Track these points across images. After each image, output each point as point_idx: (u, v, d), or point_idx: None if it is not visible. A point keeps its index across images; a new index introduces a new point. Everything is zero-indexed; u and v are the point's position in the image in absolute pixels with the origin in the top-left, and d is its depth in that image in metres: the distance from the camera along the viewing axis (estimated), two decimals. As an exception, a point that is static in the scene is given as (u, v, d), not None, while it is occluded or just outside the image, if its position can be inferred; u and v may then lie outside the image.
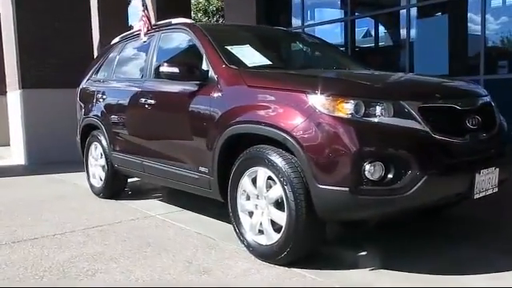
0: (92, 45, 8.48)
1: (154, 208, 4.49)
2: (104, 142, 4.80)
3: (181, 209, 4.43)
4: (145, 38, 4.40)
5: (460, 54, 7.60)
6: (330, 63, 4.18)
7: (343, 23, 9.28)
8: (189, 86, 3.50)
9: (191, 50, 3.78)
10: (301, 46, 4.38)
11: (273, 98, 2.87)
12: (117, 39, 5.20)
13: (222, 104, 3.20)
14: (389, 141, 2.56)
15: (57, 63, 7.95)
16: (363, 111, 2.60)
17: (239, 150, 3.15)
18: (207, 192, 3.44)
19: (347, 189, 2.52)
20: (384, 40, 9.34)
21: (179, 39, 4.06)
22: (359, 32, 9.36)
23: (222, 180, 3.26)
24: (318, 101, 2.65)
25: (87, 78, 5.37)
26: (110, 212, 4.41)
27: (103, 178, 4.90)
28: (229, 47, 3.58)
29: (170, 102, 3.76)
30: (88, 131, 5.17)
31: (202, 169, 3.41)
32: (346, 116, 2.58)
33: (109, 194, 4.90)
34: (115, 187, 4.91)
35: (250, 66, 3.42)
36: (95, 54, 8.82)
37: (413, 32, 7.97)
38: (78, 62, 8.09)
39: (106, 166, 4.81)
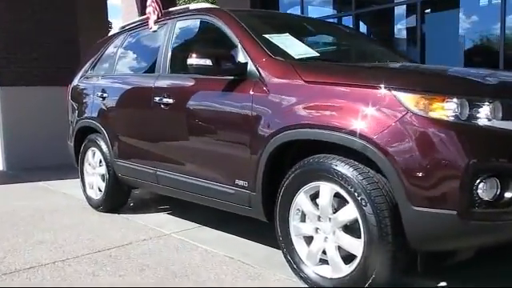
0: (77, 38, 7.74)
1: (166, 224, 3.87)
2: (104, 148, 4.15)
3: (197, 225, 3.83)
4: (155, 27, 3.77)
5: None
6: (379, 56, 3.62)
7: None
8: (220, 82, 2.91)
9: (219, 40, 3.18)
10: (340, 36, 3.82)
11: (342, 97, 2.30)
12: (116, 30, 4.55)
13: (269, 103, 2.62)
14: (504, 150, 2.02)
15: (39, 58, 7.21)
16: (468, 112, 2.05)
17: (287, 161, 2.59)
18: (245, 210, 2.85)
19: (455, 212, 1.97)
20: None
21: (201, 27, 3.46)
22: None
23: (266, 196, 2.68)
24: (410, 99, 2.09)
25: (81, 74, 4.71)
26: (116, 230, 3.77)
27: (103, 189, 4.25)
28: (267, 36, 3.00)
29: (194, 102, 3.14)
30: (83, 135, 4.51)
31: (240, 182, 2.82)
32: (448, 119, 2.03)
33: (109, 208, 4.26)
34: (117, 200, 4.27)
35: (296, 58, 2.84)
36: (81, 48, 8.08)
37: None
38: (63, 56, 7.39)
39: (106, 175, 4.16)
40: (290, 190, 2.52)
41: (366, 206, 2.16)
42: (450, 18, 7.40)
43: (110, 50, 4.40)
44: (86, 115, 4.42)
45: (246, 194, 2.79)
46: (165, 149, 3.45)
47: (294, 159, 2.60)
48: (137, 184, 3.93)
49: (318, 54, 3.02)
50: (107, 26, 16.86)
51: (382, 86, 2.18)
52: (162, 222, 3.97)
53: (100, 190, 4.33)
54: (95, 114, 4.24)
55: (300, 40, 3.13)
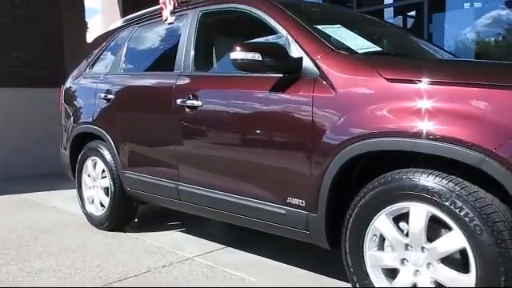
0: (62, 36, 7.12)
1: (183, 245, 3.38)
2: (109, 157, 3.61)
3: (220, 245, 3.34)
4: (171, 19, 3.27)
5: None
6: (426, 52, 3.20)
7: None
8: (265, 81, 2.45)
9: (256, 32, 2.72)
10: (383, 29, 3.38)
11: (445, 98, 1.87)
12: (119, 23, 4.02)
13: (337, 106, 2.16)
14: None
15: (20, 58, 6.58)
16: None
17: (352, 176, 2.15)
18: (300, 234, 2.38)
19: None
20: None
21: (232, 17, 2.98)
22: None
23: (330, 218, 2.22)
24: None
25: (76, 74, 4.15)
26: (127, 253, 3.24)
27: (106, 204, 3.71)
28: (319, 27, 2.54)
29: (231, 104, 2.66)
30: (81, 142, 3.96)
31: (294, 201, 2.35)
32: None
33: (114, 226, 3.72)
34: (124, 217, 3.74)
35: (360, 52, 2.40)
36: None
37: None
38: (47, 56, 6.78)
39: (111, 189, 3.63)
40: (365, 211, 2.06)
41: (481, 234, 1.73)
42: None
43: (114, 46, 3.86)
44: (84, 120, 3.88)
45: (303, 214, 2.32)
46: (190, 159, 2.95)
47: (362, 174, 2.16)
48: (150, 199, 3.41)
49: (381, 49, 2.57)
50: (84, 26, 16.16)
51: (504, 84, 1.75)
52: (178, 242, 3.46)
53: (102, 206, 3.79)
54: (97, 119, 3.71)
55: (353, 32, 2.68)
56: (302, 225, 2.34)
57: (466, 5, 7.06)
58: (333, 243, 2.27)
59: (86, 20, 16.74)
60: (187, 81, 2.98)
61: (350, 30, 2.66)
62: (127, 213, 3.74)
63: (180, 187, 3.02)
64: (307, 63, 2.33)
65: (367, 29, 2.98)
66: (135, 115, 3.38)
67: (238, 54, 2.31)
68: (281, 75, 2.41)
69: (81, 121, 3.93)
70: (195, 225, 3.86)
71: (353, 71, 2.17)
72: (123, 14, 12.20)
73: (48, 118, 6.73)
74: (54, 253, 3.29)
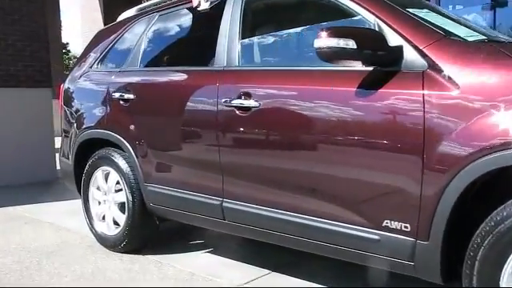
0: (47, 31, 6.48)
1: (219, 270, 2.89)
2: (126, 168, 3.09)
3: (265, 270, 2.87)
4: (205, 5, 2.77)
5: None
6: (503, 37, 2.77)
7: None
8: (351, 75, 1.99)
9: (323, 18, 2.25)
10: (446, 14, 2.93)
11: None
12: (132, 12, 3.48)
13: (462, 108, 1.71)
14: None
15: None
16: None
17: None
18: (403, 266, 1.92)
19: None
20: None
21: (290, 1, 2.49)
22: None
23: (447, 248, 1.78)
24: None
25: (82, 71, 3.58)
26: (155, 283, 2.72)
27: (122, 223, 3.17)
28: (411, 11, 2.09)
29: (304, 105, 2.17)
30: (88, 150, 3.40)
31: (394, 224, 1.89)
32: None
33: (131, 247, 3.19)
34: (143, 237, 3.22)
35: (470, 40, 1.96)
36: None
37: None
38: (28, 51, 6.13)
39: (129, 205, 3.10)
40: (504, 240, 1.62)
41: None
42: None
43: (129, 38, 3.32)
44: (93, 124, 3.33)
45: (407, 242, 1.86)
46: (242, 171, 2.45)
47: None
48: (179, 217, 2.89)
49: (485, 36, 2.13)
50: (59, 23, 15.35)
51: None
52: (211, 266, 2.96)
53: (116, 224, 3.25)
54: (111, 123, 3.17)
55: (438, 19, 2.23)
56: (403, 254, 1.88)
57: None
58: (446, 277, 1.82)
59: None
60: (235, 77, 2.49)
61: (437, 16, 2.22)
62: (147, 232, 3.22)
63: (226, 204, 2.52)
64: (410, 53, 1.87)
65: (441, 14, 2.54)
66: (164, 118, 2.85)
67: (325, 40, 1.84)
68: (370, 68, 1.95)
69: (88, 125, 3.37)
70: (223, 244, 3.37)
71: (483, 62, 1.72)
72: (105, 10, 11.55)
73: (33, 122, 6.11)
74: (65, 283, 2.74)
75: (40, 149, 6.14)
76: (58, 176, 6.34)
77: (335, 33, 1.83)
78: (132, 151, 3.02)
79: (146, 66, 3.16)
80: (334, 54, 1.86)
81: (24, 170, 5.81)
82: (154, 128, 2.90)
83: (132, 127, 3.02)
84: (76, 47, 28.84)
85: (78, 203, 4.80)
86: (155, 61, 3.16)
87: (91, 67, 3.50)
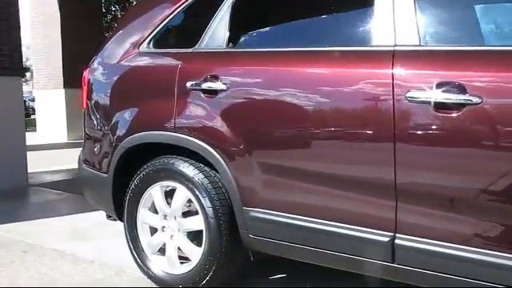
0: (18, 12, 5.32)
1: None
2: (204, 183, 2.26)
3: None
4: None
5: None
6: None
7: None
8: None
9: None
10: None
11: None
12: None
13: None
14: None
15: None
16: None
17: None
18: None
19: None
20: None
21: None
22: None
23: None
24: None
25: (122, 52, 2.66)
26: None
27: (196, 259, 2.33)
28: None
29: None
30: (137, 158, 2.52)
31: None
32: None
33: (209, 289, 2.34)
34: (227, 276, 2.37)
35: None
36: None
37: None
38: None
39: (211, 235, 2.26)
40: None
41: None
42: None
43: (201, 6, 2.45)
44: (151, 124, 2.45)
45: None
46: (432, 193, 1.70)
47: None
48: (305, 256, 2.08)
49: None
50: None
51: None
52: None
53: (185, 259, 2.41)
54: (186, 122, 2.30)
55: None
56: None
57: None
58: None
59: None
60: (423, 60, 1.74)
61: None
62: (232, 271, 2.38)
63: (399, 242, 1.77)
64: None
65: None
66: (287, 117, 2.03)
67: None
68: None
69: (140, 126, 2.49)
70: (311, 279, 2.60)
71: None
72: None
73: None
74: None
75: (8, 149, 5.02)
76: (28, 182, 5.28)
77: None
78: (223, 162, 2.18)
79: (239, 45, 2.32)
80: None
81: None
82: (268, 131, 2.08)
83: (224, 129, 2.18)
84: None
85: (78, 219, 3.86)
86: (257, 37, 2.32)
87: (138, 47, 2.60)
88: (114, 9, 20.48)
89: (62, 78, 10.23)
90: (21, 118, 5.34)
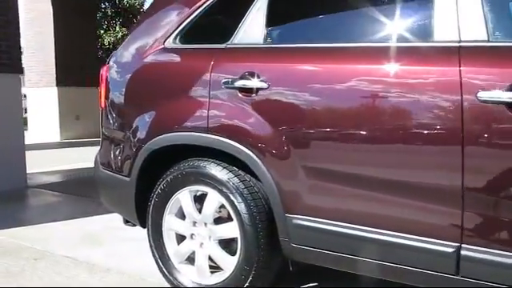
0: (17, 6, 5.11)
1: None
2: (239, 188, 2.11)
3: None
4: None
5: None
6: None
7: None
8: None
9: None
10: None
11: None
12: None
13: None
14: None
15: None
16: None
17: None
18: None
19: None
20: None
21: None
22: None
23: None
24: None
25: (146, 47, 2.49)
26: None
27: (230, 268, 2.19)
28: None
29: None
30: (162, 161, 2.36)
31: None
32: None
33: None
34: (263, 285, 2.23)
35: None
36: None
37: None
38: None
39: (247, 243, 2.11)
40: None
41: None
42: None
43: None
44: (179, 124, 2.30)
45: None
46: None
47: None
48: (355, 267, 1.94)
49: None
50: None
51: None
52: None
53: (216, 269, 2.25)
54: (222, 123, 2.16)
55: None
56: None
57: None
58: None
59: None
60: (502, 58, 1.61)
61: None
62: (269, 281, 2.23)
63: (465, 253, 1.64)
64: None
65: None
66: (341, 118, 1.88)
67: None
68: None
69: (168, 126, 2.33)
70: None
71: None
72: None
73: None
74: None
75: (6, 150, 4.81)
76: (27, 183, 5.07)
77: None
78: (262, 165, 2.03)
79: (280, 40, 2.18)
80: None
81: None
82: (316, 133, 1.93)
83: (264, 130, 2.03)
84: None
85: (84, 223, 3.68)
86: (302, 32, 2.16)
87: (163, 42, 2.44)
88: (103, 6, 20.15)
89: (54, 75, 9.98)
90: (19, 118, 5.15)
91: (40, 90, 10.21)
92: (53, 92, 10.00)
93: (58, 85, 9.99)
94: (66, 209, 4.26)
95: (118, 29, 19.88)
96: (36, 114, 10.39)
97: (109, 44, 18.94)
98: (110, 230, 3.52)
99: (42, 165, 6.26)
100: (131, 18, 21.91)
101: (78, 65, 9.99)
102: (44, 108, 10.10)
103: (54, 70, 9.94)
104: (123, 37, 20.81)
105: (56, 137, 9.91)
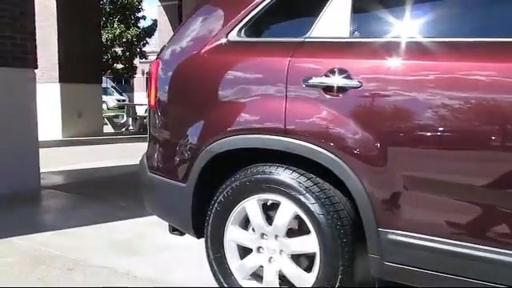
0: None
1: None
2: (320, 198, 1.89)
3: None
4: None
5: None
6: None
7: None
8: None
9: None
10: None
11: None
12: None
13: None
14: None
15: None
16: None
17: None
18: None
19: None
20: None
21: None
22: None
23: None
24: None
25: (207, 40, 2.27)
26: None
27: (310, 286, 1.96)
28: None
29: None
30: (224, 166, 2.14)
31: None
32: None
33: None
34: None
35: None
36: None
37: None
38: (6, 17, 4.52)
39: (328, 260, 1.89)
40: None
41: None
42: None
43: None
44: (252, 127, 2.07)
45: None
46: None
47: None
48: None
49: None
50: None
51: None
52: None
53: (288, 286, 2.03)
54: (303, 126, 1.93)
55: None
56: None
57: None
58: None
59: None
60: None
61: None
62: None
63: None
64: None
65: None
66: (453, 123, 1.67)
67: None
68: None
69: (234, 128, 2.10)
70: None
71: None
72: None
73: (11, 113, 4.53)
74: None
75: (21, 149, 4.55)
76: (40, 184, 4.81)
77: None
78: (352, 174, 1.82)
79: (372, 33, 1.96)
80: None
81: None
82: (422, 139, 1.71)
83: (355, 134, 1.81)
84: None
85: (113, 229, 3.44)
86: (401, 24, 1.92)
87: (226, 35, 2.21)
88: (102, 3, 19.83)
89: (57, 71, 9.67)
90: (34, 115, 4.87)
91: (41, 86, 9.85)
92: (55, 88, 9.68)
93: (60, 81, 9.68)
94: (86, 212, 4.01)
95: (115, 25, 19.55)
96: (37, 111, 10.04)
97: (107, 41, 18.60)
98: (141, 237, 3.31)
99: (50, 163, 5.98)
100: (129, 15, 21.60)
101: (80, 61, 9.70)
102: (45, 105, 9.76)
103: (57, 65, 9.63)
104: (121, 34, 20.59)
105: (58, 134, 9.60)
